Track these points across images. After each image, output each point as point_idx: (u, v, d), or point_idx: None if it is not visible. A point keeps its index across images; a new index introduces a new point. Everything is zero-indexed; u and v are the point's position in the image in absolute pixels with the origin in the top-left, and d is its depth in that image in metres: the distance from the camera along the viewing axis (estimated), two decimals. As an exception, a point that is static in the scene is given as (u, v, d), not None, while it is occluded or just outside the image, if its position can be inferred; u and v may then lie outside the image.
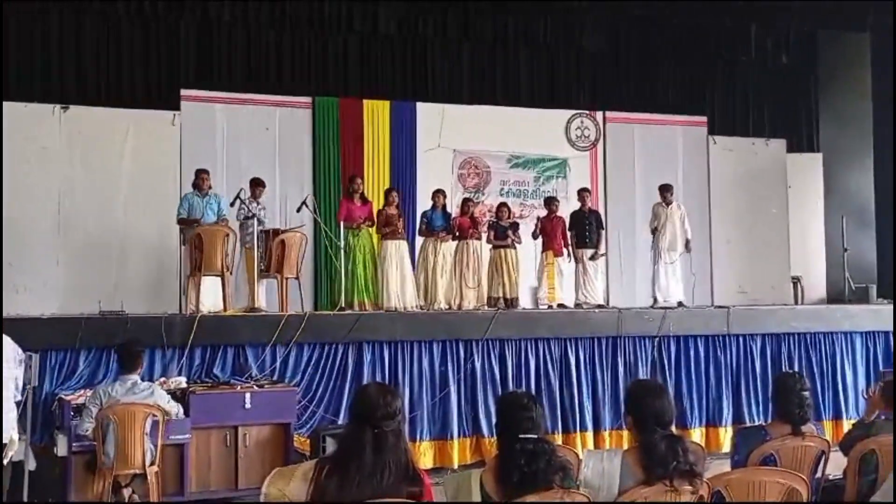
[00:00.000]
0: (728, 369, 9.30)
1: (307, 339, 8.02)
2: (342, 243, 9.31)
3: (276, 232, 9.02)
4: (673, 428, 3.57)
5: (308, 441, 7.53)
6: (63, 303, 9.71)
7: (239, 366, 7.80)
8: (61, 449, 6.48)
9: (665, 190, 10.66)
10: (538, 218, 10.69)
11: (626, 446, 3.62)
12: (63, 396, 6.95)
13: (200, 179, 9.12)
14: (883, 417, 4.77)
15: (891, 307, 9.76)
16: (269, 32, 11.48)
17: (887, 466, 4.17)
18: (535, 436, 3.29)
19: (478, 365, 8.46)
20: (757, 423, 8.26)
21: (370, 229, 9.59)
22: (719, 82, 13.46)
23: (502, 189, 12.11)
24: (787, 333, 9.55)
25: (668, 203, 10.56)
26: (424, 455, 8.14)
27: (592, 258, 10.39)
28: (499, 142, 12.06)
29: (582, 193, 10.70)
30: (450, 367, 8.40)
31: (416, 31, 12.11)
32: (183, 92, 10.82)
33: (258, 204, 9.30)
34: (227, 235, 8.79)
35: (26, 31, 10.50)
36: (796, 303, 12.40)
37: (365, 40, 11.87)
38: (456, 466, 8.19)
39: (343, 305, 9.18)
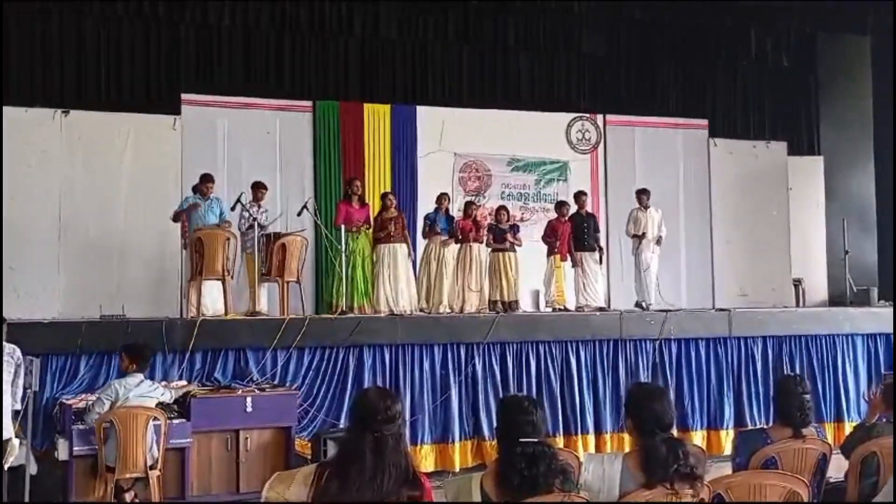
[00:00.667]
0: (729, 372, 9.30)
1: (308, 343, 8.03)
2: (343, 247, 9.32)
3: (277, 236, 9.02)
4: (674, 431, 3.57)
5: (309, 445, 7.54)
6: (64, 307, 9.73)
7: (240, 369, 7.81)
8: (62, 453, 6.49)
9: (642, 194, 10.70)
10: (549, 221, 10.67)
11: (627, 449, 3.61)
12: (64, 401, 6.95)
13: (206, 187, 9.12)
14: (884, 420, 4.77)
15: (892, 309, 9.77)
16: (270, 36, 11.48)
17: (888, 469, 4.17)
18: (536, 439, 3.28)
19: (479, 368, 8.45)
20: (758, 426, 8.26)
21: (368, 232, 9.60)
22: (720, 85, 13.46)
23: (503, 192, 12.12)
24: (789, 336, 9.55)
25: (647, 207, 10.60)
26: (425, 458, 8.13)
27: (599, 261, 10.46)
28: (499, 145, 12.06)
29: (579, 197, 10.71)
30: (451, 371, 8.39)
31: (417, 35, 12.11)
32: (183, 96, 10.84)
33: (260, 207, 9.31)
34: (228, 239, 8.80)
35: (27, 35, 10.50)
36: (797, 305, 12.41)
37: (365, 44, 11.87)
38: (457, 470, 8.19)
39: (344, 309, 9.18)
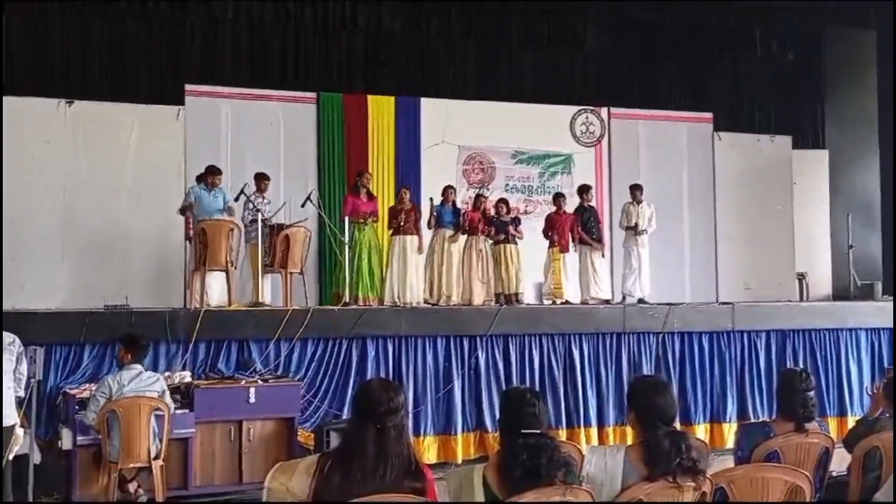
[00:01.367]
0: (732, 365, 9.30)
1: (311, 334, 8.04)
2: (347, 238, 9.32)
3: (281, 227, 9.03)
4: (676, 424, 3.57)
5: (312, 436, 7.55)
6: (67, 297, 9.73)
7: (243, 360, 7.82)
8: (66, 443, 6.52)
9: (635, 189, 10.72)
10: (547, 215, 10.67)
11: (629, 442, 3.61)
12: (68, 390, 6.98)
13: (213, 179, 9.08)
14: (887, 415, 4.76)
15: (896, 304, 9.75)
16: (274, 27, 11.48)
17: (890, 463, 4.17)
18: (538, 431, 3.28)
19: (482, 360, 8.47)
20: (761, 420, 8.26)
21: (375, 224, 9.61)
22: (725, 79, 13.41)
23: (507, 185, 12.11)
24: (792, 330, 9.55)
25: (639, 202, 10.61)
26: (428, 450, 8.16)
27: (602, 255, 10.50)
28: (503, 137, 12.05)
29: (582, 190, 10.73)
30: (454, 363, 8.41)
31: (421, 27, 12.10)
32: (187, 87, 10.83)
33: (263, 198, 9.31)
34: (232, 230, 8.79)
35: (30, 25, 10.51)
36: (801, 299, 12.38)
37: (370, 36, 11.86)
38: (460, 461, 8.21)
39: (347, 300, 9.19)
